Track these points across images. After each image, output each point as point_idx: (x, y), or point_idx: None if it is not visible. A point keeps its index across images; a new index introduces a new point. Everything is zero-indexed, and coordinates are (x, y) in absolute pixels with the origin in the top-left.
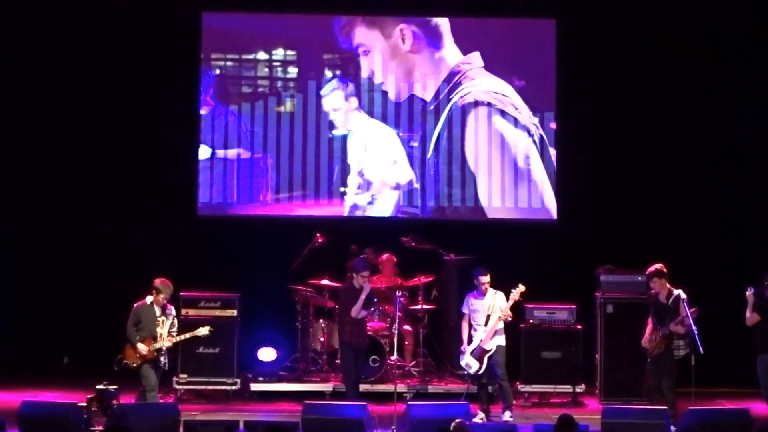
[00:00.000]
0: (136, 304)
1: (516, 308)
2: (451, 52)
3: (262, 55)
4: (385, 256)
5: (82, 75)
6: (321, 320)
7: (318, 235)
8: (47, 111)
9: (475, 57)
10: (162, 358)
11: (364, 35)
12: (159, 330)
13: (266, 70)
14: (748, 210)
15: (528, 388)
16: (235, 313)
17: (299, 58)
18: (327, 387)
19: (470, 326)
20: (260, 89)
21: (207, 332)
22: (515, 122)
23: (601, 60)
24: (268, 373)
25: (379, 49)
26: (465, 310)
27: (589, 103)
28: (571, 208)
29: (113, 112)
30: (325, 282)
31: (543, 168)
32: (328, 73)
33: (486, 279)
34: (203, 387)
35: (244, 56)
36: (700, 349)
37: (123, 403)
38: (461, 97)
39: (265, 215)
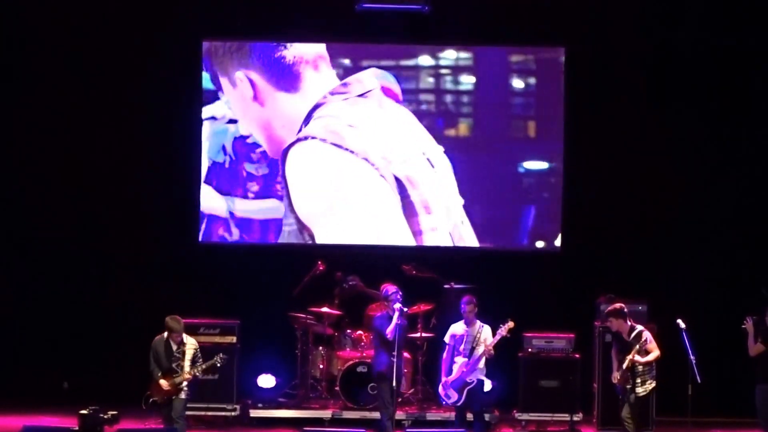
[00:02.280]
0: (154, 340)
1: (514, 337)
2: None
3: None
4: (385, 285)
5: (84, 100)
6: (320, 347)
7: (319, 262)
8: (47, 134)
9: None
10: (185, 390)
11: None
12: (180, 363)
13: None
14: (751, 240)
15: (525, 416)
16: (234, 339)
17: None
18: (326, 414)
19: (452, 358)
20: None
21: (221, 361)
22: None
23: (609, 88)
24: (268, 399)
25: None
26: (449, 341)
27: (595, 133)
28: (573, 237)
29: (116, 141)
30: (325, 309)
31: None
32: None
33: (469, 308)
34: (203, 413)
35: None
36: (698, 377)
37: (122, 429)
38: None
39: (266, 243)
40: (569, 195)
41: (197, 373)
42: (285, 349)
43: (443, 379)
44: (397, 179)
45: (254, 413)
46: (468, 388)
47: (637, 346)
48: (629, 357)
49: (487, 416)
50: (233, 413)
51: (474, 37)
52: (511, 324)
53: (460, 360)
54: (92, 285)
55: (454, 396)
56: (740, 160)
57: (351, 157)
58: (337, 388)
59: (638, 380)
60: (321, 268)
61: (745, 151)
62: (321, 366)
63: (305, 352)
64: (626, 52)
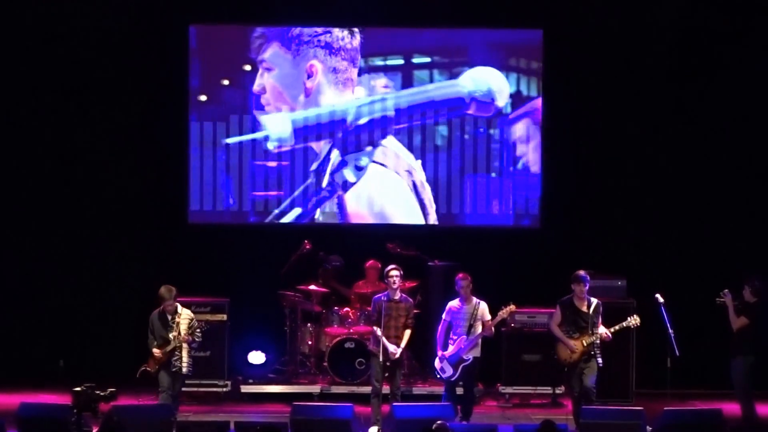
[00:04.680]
0: (152, 313)
1: (496, 312)
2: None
3: None
4: (369, 262)
5: (73, 82)
6: (309, 324)
7: (306, 242)
8: (37, 118)
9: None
10: (176, 362)
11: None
12: (172, 333)
13: None
14: (725, 215)
15: (509, 390)
16: (225, 317)
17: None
18: (315, 389)
19: (448, 333)
20: None
21: (201, 327)
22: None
23: (588, 64)
24: (258, 375)
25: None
26: (446, 317)
27: (573, 108)
28: (552, 214)
29: (104, 123)
30: (312, 287)
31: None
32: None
33: (465, 283)
34: (195, 389)
35: None
36: (676, 351)
37: (117, 405)
38: None
39: (255, 222)
40: (548, 173)
41: (193, 338)
42: (274, 327)
43: (439, 353)
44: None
45: (245, 389)
46: (464, 364)
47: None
48: (604, 331)
49: (458, 390)
50: (225, 389)
51: (454, 20)
52: (512, 307)
53: (459, 337)
54: (86, 264)
55: (449, 371)
56: (720, 136)
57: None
58: (325, 364)
59: (598, 351)
60: (308, 247)
61: (725, 127)
62: (309, 342)
63: (294, 329)
64: (603, 32)
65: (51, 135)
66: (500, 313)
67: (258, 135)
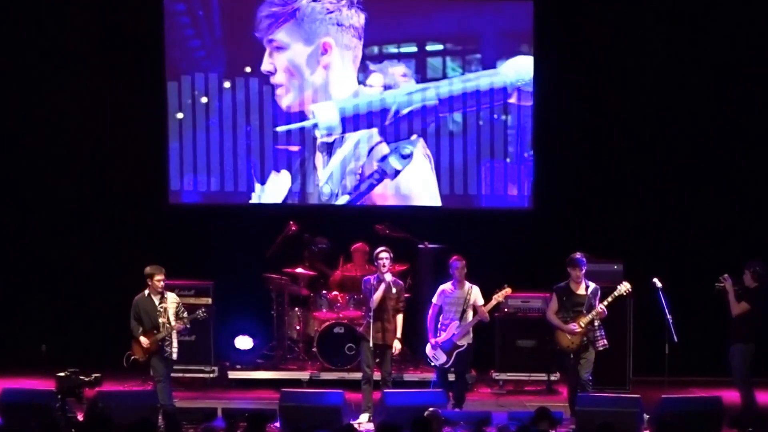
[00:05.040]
0: (135, 298)
1: (489, 298)
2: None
3: None
4: (357, 245)
5: (47, 60)
6: (296, 309)
7: (291, 223)
8: (11, 98)
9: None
10: (167, 348)
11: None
12: (161, 320)
13: None
14: (726, 199)
15: (503, 376)
16: (209, 301)
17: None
18: (304, 375)
19: (439, 318)
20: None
21: (204, 314)
22: None
23: (581, 39)
24: (246, 361)
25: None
26: (437, 301)
27: (566, 83)
28: (546, 195)
29: (80, 100)
30: (299, 270)
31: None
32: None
33: (460, 265)
34: (181, 375)
35: None
36: (675, 337)
37: (102, 391)
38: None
39: (239, 203)
40: (540, 151)
41: (184, 324)
42: (261, 311)
43: (432, 339)
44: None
45: (232, 375)
46: (458, 351)
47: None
48: (599, 307)
49: (450, 376)
50: (211, 375)
51: None
52: (508, 290)
53: (452, 323)
54: (67, 247)
55: (443, 358)
56: (721, 115)
57: None
58: (314, 349)
59: (597, 334)
60: (293, 228)
61: (725, 106)
62: (297, 327)
63: (281, 314)
64: (598, 11)
65: (26, 114)
66: (495, 296)
67: (307, 123)
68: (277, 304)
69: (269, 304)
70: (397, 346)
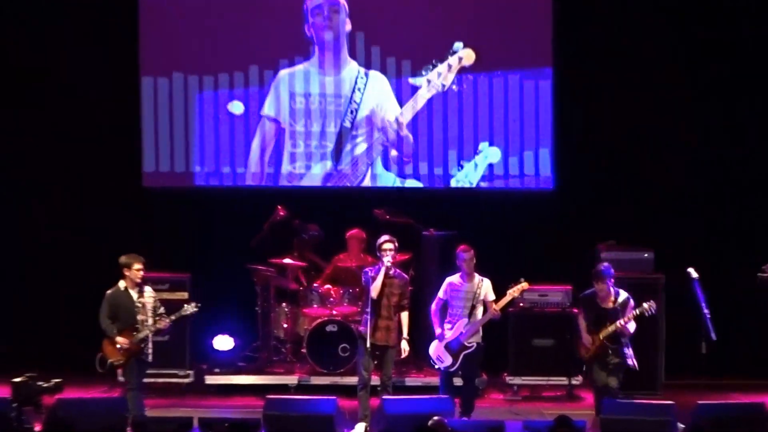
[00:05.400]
0: (108, 292)
1: (501, 291)
2: None
3: None
4: (352, 231)
5: (12, 39)
6: (284, 304)
7: (279, 208)
8: None
9: None
10: (148, 351)
11: None
12: (140, 316)
13: None
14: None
15: (517, 381)
16: (186, 295)
17: None
18: (292, 379)
19: (444, 314)
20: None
21: (195, 309)
22: None
23: (606, 11)
24: (225, 364)
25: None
26: (443, 295)
27: (590, 57)
28: (568, 175)
29: (54, 81)
30: (288, 261)
31: None
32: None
33: (468, 256)
34: (153, 380)
35: None
36: (712, 334)
37: (63, 398)
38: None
39: (220, 185)
40: (562, 126)
41: (170, 322)
42: (244, 307)
43: (436, 336)
44: None
45: (210, 379)
46: (465, 352)
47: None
48: (619, 322)
49: (455, 381)
50: (186, 380)
51: None
52: (525, 285)
53: (458, 320)
54: (26, 237)
55: (448, 360)
56: (755, 95)
57: None
58: (303, 350)
59: (622, 352)
60: (281, 214)
61: (761, 85)
62: (285, 325)
63: (266, 310)
64: None
65: None
66: (510, 291)
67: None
68: (262, 299)
69: (253, 299)
70: (405, 347)
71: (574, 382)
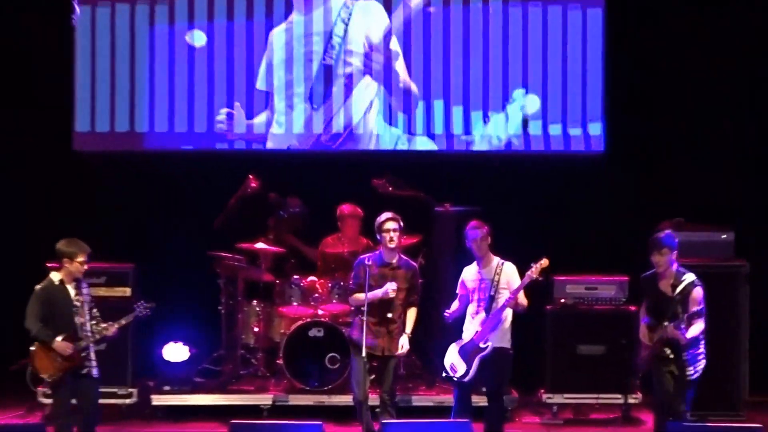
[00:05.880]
0: (37, 287)
1: (543, 282)
2: None
3: None
4: (345, 207)
5: None
6: (255, 302)
7: (251, 177)
8: None
9: None
10: (91, 364)
11: None
12: (78, 319)
13: None
14: None
15: (557, 399)
16: (128, 292)
17: None
18: (264, 399)
19: (464, 313)
20: None
21: (147, 310)
22: None
23: None
24: (179, 379)
25: None
26: (460, 290)
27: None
28: (625, 134)
29: None
30: (261, 246)
31: None
32: None
33: (479, 234)
34: None
35: None
36: None
37: None
38: None
39: (175, 149)
40: (617, 70)
41: (115, 332)
42: (203, 305)
43: (454, 344)
44: None
45: (158, 400)
46: (481, 356)
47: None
48: (671, 325)
49: (473, 397)
50: (128, 400)
51: None
52: (544, 262)
53: (477, 317)
54: None
55: (461, 367)
56: None
57: None
58: (280, 362)
59: (685, 356)
60: (253, 185)
61: None
62: (256, 329)
63: (233, 309)
64: None
65: None
66: (528, 273)
67: None
68: (226, 296)
69: (215, 295)
70: (403, 343)
71: (631, 400)
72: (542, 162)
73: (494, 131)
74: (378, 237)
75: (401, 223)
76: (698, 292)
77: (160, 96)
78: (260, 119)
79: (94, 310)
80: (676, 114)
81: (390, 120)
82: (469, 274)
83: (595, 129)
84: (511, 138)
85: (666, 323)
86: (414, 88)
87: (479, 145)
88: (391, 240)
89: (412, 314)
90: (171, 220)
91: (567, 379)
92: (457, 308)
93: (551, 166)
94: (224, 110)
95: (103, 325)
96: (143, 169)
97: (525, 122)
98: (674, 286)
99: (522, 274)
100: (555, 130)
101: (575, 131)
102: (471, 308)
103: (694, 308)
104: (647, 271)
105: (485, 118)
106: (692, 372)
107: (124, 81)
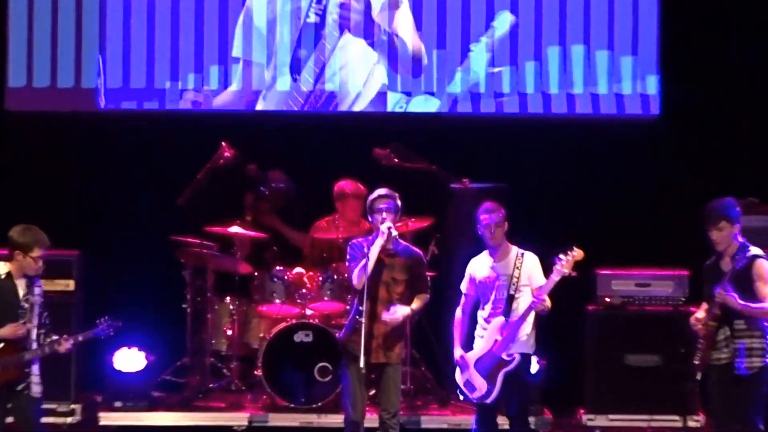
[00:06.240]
0: None
1: (580, 277)
2: None
3: None
4: (344, 183)
5: None
6: (228, 299)
7: (224, 145)
8: None
9: None
10: (33, 380)
11: None
12: (26, 325)
13: None
14: None
15: (600, 421)
16: (71, 285)
17: None
18: (239, 418)
19: (474, 316)
20: None
21: (111, 330)
22: None
23: None
24: (133, 393)
25: None
26: (467, 289)
27: None
28: (685, 96)
29: None
30: (236, 230)
31: None
32: None
33: (493, 219)
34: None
35: None
36: None
37: None
38: None
39: (133, 110)
40: (676, 17)
41: (70, 347)
42: (164, 302)
43: (459, 354)
44: None
45: (107, 419)
46: (505, 370)
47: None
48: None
49: (531, 419)
50: (69, 419)
51: None
52: (577, 253)
53: (495, 322)
54: None
55: (481, 386)
56: None
57: None
58: (258, 373)
59: (737, 344)
60: (227, 154)
61: None
62: (230, 332)
63: (200, 307)
64: None
65: None
66: (557, 267)
67: None
68: (193, 291)
69: (180, 290)
70: (397, 310)
71: (691, 423)
72: (582, 128)
73: (527, 87)
74: (370, 218)
75: (398, 201)
76: (763, 266)
77: (113, 44)
78: (235, 87)
79: (45, 316)
80: (750, 72)
81: (392, 82)
82: (480, 267)
83: (650, 87)
84: (549, 96)
85: (721, 291)
86: (419, 47)
87: (508, 106)
88: (384, 221)
89: (421, 298)
90: (125, 197)
91: (612, 397)
92: (465, 320)
93: (592, 133)
94: (191, 95)
95: (54, 337)
96: (91, 134)
97: (561, 80)
98: (732, 259)
99: (547, 268)
100: (600, 87)
101: (624, 88)
102: (483, 311)
103: (759, 284)
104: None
105: (514, 74)
106: (741, 365)
107: (67, 25)
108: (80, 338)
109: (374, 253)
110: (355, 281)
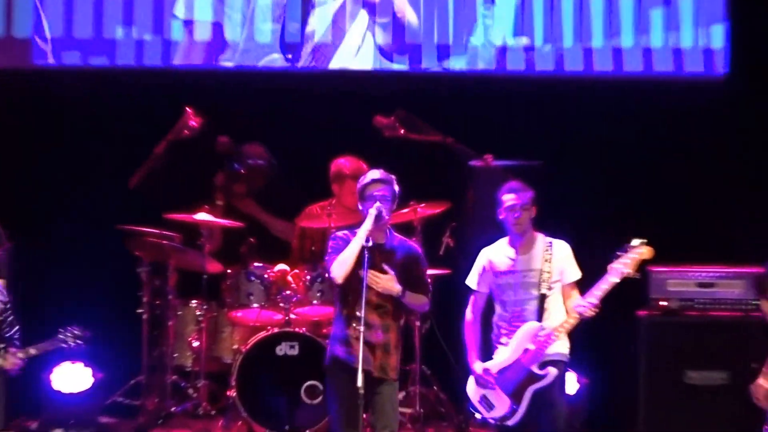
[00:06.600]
0: None
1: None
2: None
3: None
4: (345, 163)
5: None
6: (194, 303)
7: (189, 111)
8: None
9: None
10: None
11: None
12: None
13: None
14: None
15: None
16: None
17: None
18: None
19: (493, 320)
20: None
21: (75, 341)
22: None
23: None
24: (76, 418)
25: None
26: (480, 286)
27: None
28: (755, 52)
29: None
30: (203, 217)
31: None
32: None
33: (518, 202)
34: None
35: None
36: None
37: None
38: None
39: (80, 66)
40: None
41: (17, 364)
42: (115, 307)
43: (483, 368)
44: None
45: None
46: (535, 387)
47: None
48: None
49: None
50: None
51: None
52: (645, 251)
53: (525, 326)
54: None
55: (500, 402)
56: None
57: None
58: (231, 393)
59: None
60: (193, 123)
61: None
62: (196, 343)
63: (160, 313)
64: None
65: None
66: (618, 266)
67: None
68: (150, 292)
69: (133, 291)
70: (388, 284)
71: None
72: (630, 89)
73: (564, 41)
74: (361, 207)
75: (396, 187)
76: None
77: None
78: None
79: (13, 329)
80: None
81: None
82: (497, 259)
83: (716, 41)
84: (591, 51)
85: None
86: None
87: (540, 63)
88: (377, 209)
89: (418, 297)
90: (66, 175)
91: (670, 419)
92: (476, 324)
93: (642, 97)
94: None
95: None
96: (25, 96)
97: (606, 31)
98: None
99: (597, 266)
100: (654, 39)
101: (683, 41)
102: (505, 313)
103: None
104: None
105: (548, 24)
106: None
107: None
108: (32, 351)
109: (360, 237)
110: (334, 272)
